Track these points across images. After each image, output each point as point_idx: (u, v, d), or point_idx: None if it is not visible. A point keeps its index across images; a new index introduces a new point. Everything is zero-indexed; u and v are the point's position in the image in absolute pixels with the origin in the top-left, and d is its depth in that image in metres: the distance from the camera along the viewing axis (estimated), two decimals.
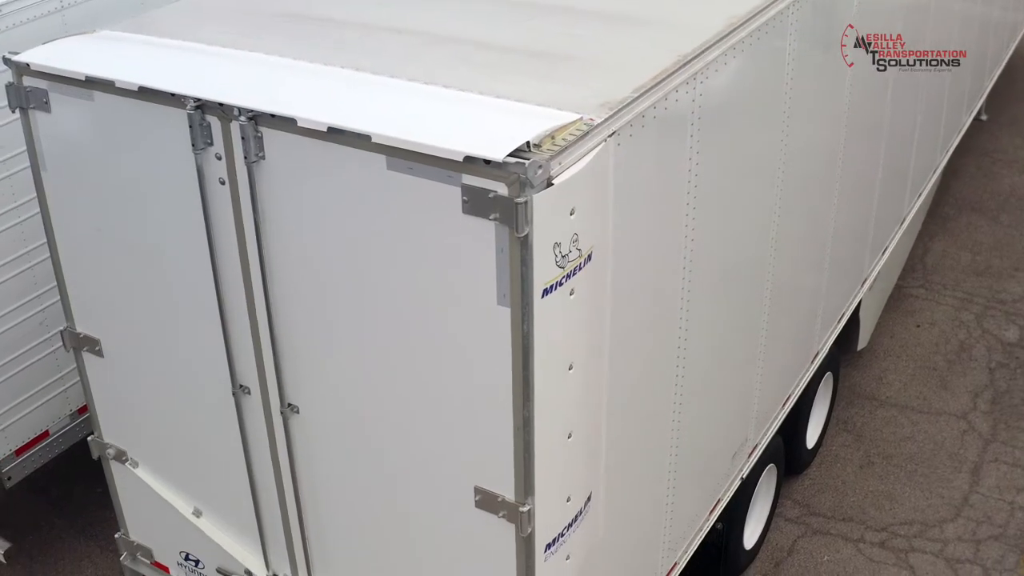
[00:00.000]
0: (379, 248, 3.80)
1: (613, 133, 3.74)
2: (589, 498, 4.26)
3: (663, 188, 4.35)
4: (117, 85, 4.17)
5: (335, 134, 3.66)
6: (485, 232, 3.47)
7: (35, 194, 4.80)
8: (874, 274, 8.29)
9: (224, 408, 4.62)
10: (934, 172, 9.79)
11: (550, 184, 3.41)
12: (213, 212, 4.18)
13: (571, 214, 3.53)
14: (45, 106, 4.49)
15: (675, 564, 5.65)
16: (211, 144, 4.05)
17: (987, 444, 8.28)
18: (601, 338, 4.03)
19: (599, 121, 3.66)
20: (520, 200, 3.33)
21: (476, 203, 3.44)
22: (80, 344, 5.04)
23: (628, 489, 4.77)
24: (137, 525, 5.48)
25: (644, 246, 4.30)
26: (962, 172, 12.28)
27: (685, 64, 4.22)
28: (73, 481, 7.60)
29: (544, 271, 3.50)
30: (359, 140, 3.60)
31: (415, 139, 3.47)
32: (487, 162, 3.36)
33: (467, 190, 3.44)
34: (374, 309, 3.95)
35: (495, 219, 3.41)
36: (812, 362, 7.26)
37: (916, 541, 7.43)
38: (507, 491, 3.92)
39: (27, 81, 4.48)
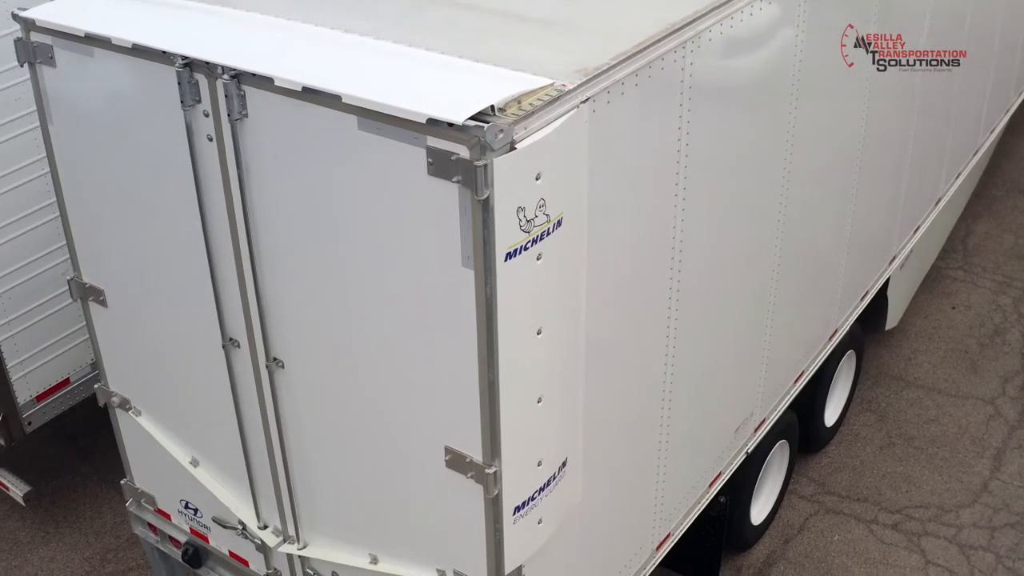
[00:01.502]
0: (353, 208, 3.85)
1: (587, 99, 3.73)
2: (564, 463, 4.29)
3: (648, 157, 4.33)
4: (113, 42, 4.26)
5: (310, 94, 3.71)
6: (449, 194, 3.49)
7: None
8: (904, 253, 8.16)
9: (216, 360, 4.73)
10: (976, 152, 9.57)
11: (513, 148, 3.42)
12: (202, 168, 4.27)
13: (537, 179, 3.54)
14: (51, 61, 4.60)
15: (669, 534, 5.66)
16: (199, 101, 4.12)
17: (1012, 430, 8.14)
18: (575, 304, 4.04)
19: (571, 87, 3.66)
20: (480, 163, 3.35)
21: (440, 165, 3.46)
22: (86, 294, 5.18)
23: (611, 457, 4.79)
24: (141, 472, 5.64)
25: (627, 214, 4.29)
26: (1013, 153, 12.00)
27: (673, 32, 4.19)
28: (100, 429, 7.80)
29: (507, 235, 3.51)
30: (332, 100, 3.65)
31: (382, 100, 3.51)
32: (450, 125, 3.38)
33: (431, 152, 3.47)
34: (349, 268, 4.01)
35: (457, 181, 3.44)
36: (830, 339, 7.19)
37: (930, 525, 7.35)
38: (475, 452, 3.97)
39: (34, 36, 4.60)
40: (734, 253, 5.34)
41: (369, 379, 4.21)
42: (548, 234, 3.68)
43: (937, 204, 8.72)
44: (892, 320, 8.73)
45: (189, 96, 4.12)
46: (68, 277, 5.22)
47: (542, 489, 4.19)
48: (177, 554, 5.71)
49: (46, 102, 4.77)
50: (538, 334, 3.84)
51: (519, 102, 3.52)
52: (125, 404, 5.39)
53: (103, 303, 5.14)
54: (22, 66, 4.72)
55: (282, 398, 4.60)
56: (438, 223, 3.59)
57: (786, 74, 5.27)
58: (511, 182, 3.45)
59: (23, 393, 6.62)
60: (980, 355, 8.95)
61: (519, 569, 4.30)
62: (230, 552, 5.39)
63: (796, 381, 6.81)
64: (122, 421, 5.50)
